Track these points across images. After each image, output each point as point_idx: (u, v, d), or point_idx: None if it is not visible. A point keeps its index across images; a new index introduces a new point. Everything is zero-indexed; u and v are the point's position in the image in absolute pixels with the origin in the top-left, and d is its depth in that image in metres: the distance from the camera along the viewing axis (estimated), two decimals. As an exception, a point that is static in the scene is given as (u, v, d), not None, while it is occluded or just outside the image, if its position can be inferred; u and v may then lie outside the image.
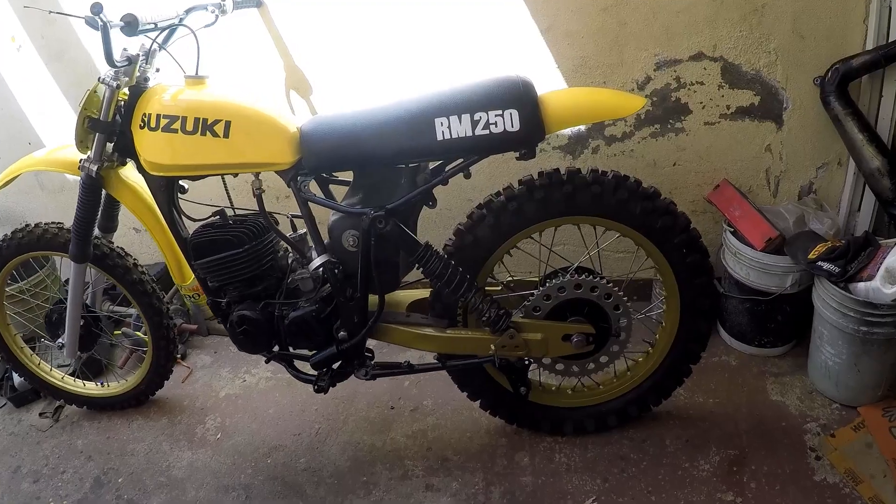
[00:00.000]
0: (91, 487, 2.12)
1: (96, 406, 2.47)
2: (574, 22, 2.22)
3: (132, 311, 2.43)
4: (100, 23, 1.62)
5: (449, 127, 1.61)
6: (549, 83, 2.34)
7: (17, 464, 2.25)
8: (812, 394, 2.16)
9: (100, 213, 2.07)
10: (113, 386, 2.47)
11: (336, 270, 1.83)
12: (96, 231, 2.09)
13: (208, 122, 1.70)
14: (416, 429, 2.21)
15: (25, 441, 2.35)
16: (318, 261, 1.83)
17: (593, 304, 1.87)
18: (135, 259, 2.24)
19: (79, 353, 2.29)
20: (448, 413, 2.25)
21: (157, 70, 1.88)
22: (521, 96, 1.59)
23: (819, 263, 1.97)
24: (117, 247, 2.21)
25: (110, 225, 2.17)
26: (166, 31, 1.85)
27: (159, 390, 2.45)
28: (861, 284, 1.85)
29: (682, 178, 2.47)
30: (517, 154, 1.69)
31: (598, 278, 1.85)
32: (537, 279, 1.97)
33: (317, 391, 1.96)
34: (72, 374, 2.50)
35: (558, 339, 1.87)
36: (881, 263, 1.81)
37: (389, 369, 2.01)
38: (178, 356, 2.59)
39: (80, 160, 1.91)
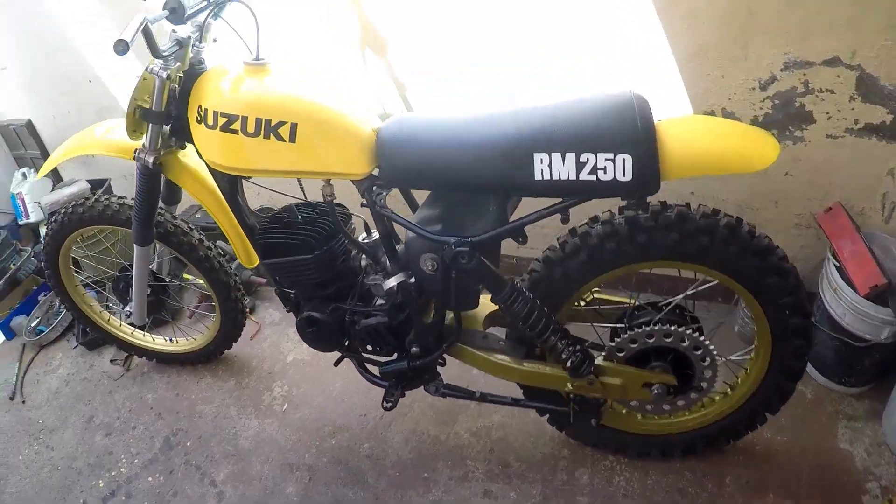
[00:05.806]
0: (161, 448, 2.14)
1: (165, 360, 2.48)
2: (697, 0, 1.99)
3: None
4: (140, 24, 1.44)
5: (550, 165, 1.43)
6: (659, 70, 2.14)
7: (90, 413, 2.26)
8: (881, 447, 2.06)
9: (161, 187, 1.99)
10: (181, 343, 2.47)
11: (412, 291, 1.76)
12: (160, 204, 2.02)
13: (272, 124, 1.53)
14: (480, 425, 2.20)
15: (98, 389, 2.36)
16: (393, 281, 1.76)
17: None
18: (200, 235, 2.17)
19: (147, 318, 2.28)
20: (515, 411, 2.22)
21: (215, 40, 1.71)
22: (636, 138, 1.39)
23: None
24: (181, 222, 2.14)
25: (174, 197, 2.08)
26: (217, 7, 1.66)
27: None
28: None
29: (793, 188, 2.29)
30: (623, 203, 1.56)
31: (688, 330, 1.76)
32: (627, 303, 1.88)
33: (387, 409, 1.92)
34: (140, 329, 2.48)
35: (638, 386, 1.81)
36: None
37: (460, 392, 1.98)
38: (248, 309, 2.57)
39: (136, 150, 1.81)
